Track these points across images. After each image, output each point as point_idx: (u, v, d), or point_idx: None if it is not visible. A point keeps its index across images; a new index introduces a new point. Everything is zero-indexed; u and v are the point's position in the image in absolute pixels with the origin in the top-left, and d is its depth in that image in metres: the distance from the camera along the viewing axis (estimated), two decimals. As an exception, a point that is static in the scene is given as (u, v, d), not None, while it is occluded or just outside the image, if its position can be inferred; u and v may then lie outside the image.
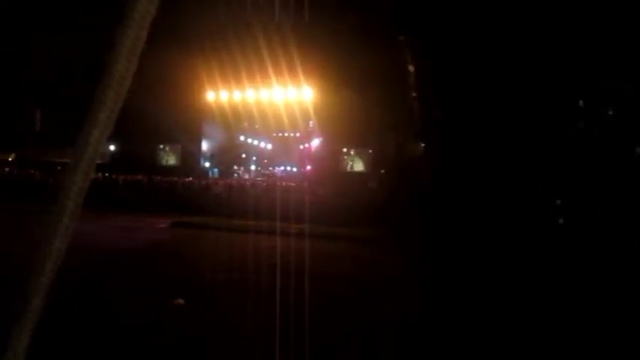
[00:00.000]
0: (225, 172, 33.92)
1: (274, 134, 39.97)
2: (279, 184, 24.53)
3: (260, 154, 44.77)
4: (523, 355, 5.54)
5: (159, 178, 23.79)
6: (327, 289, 8.27)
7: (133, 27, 0.72)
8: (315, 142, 30.63)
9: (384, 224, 14.51)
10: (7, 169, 26.99)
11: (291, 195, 19.58)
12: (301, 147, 38.88)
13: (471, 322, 6.29)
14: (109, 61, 0.74)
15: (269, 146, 45.04)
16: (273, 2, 21.29)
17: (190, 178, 24.28)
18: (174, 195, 21.38)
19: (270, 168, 42.80)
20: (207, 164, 31.68)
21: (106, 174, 23.96)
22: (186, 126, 27.89)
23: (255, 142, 42.36)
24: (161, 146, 30.27)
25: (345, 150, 27.00)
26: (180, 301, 7.25)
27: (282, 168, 42.40)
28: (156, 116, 25.42)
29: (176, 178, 23.87)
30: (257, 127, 34.53)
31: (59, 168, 24.19)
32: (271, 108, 27.86)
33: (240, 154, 39.58)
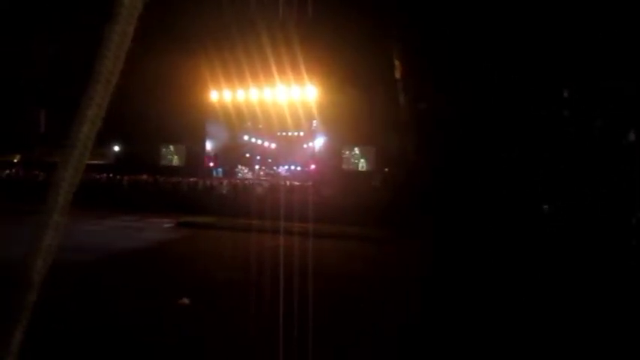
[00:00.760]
0: (230, 171, 33.93)
1: (278, 133, 39.95)
2: (283, 183, 24.55)
3: (264, 153, 44.75)
4: (529, 354, 5.53)
5: (163, 178, 23.83)
6: (333, 289, 8.27)
7: (120, 23, 0.73)
8: (319, 142, 30.60)
9: (388, 223, 14.50)
10: (12, 170, 27.11)
11: (295, 194, 19.60)
12: (305, 146, 38.86)
13: (477, 322, 6.28)
14: (97, 57, 0.75)
15: (273, 146, 45.03)
16: (276, 1, 21.30)
17: (195, 178, 24.31)
18: (178, 195, 21.42)
19: (274, 167, 42.77)
20: (211, 164, 31.72)
21: (111, 174, 24.02)
22: (190, 126, 27.92)
23: (259, 142, 42.36)
24: (165, 146, 30.32)
25: (348, 149, 26.98)
26: (186, 300, 7.27)
27: (286, 167, 42.36)
28: (159, 117, 25.48)
29: (180, 178, 23.91)
30: (260, 126, 34.52)
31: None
32: (275, 107, 27.85)
33: (244, 154, 39.59)
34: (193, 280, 8.80)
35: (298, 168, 40.19)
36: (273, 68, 23.59)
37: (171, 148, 30.40)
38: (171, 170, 27.64)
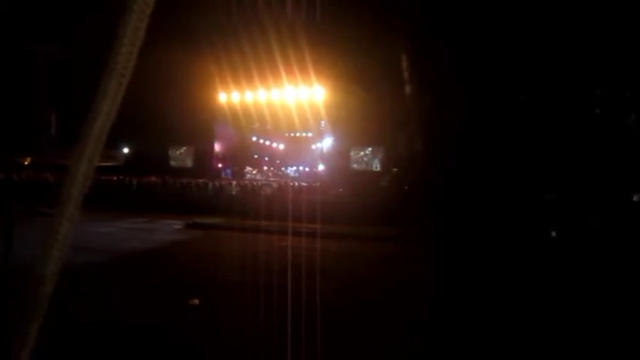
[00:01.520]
0: (238, 172, 34.05)
1: (286, 134, 40.04)
2: (291, 184, 24.59)
3: (272, 154, 44.86)
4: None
5: (172, 179, 23.94)
6: (343, 289, 8.29)
7: (132, 20, 0.75)
8: (327, 142, 30.63)
9: (397, 223, 14.48)
10: (23, 172, 27.33)
11: (304, 195, 19.62)
12: (313, 147, 38.91)
13: (486, 322, 6.25)
14: (110, 53, 0.77)
15: (281, 147, 45.12)
16: (284, 2, 21.36)
17: (203, 180, 24.40)
18: (187, 196, 21.52)
19: (283, 168, 42.85)
20: (219, 165, 31.84)
21: (121, 176, 24.16)
22: (199, 127, 28.04)
23: (267, 143, 42.48)
24: (174, 148, 30.46)
25: (357, 149, 26.96)
26: (196, 301, 7.30)
27: (295, 168, 42.41)
28: (168, 118, 25.61)
29: (189, 180, 24.00)
30: (269, 127, 34.62)
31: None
32: (283, 108, 27.91)
33: (253, 155, 39.72)
34: (203, 281, 8.83)
35: (307, 169, 40.22)
36: (282, 69, 23.64)
37: (181, 149, 30.54)
38: (181, 171, 27.76)
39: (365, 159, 27.00)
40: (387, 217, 15.42)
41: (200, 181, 23.87)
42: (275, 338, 5.61)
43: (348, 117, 24.27)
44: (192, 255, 11.98)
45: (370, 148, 26.73)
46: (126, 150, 29.77)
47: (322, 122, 30.34)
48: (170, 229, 16.36)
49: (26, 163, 29.93)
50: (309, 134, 37.15)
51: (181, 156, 30.60)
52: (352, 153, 26.85)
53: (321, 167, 34.40)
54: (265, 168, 41.53)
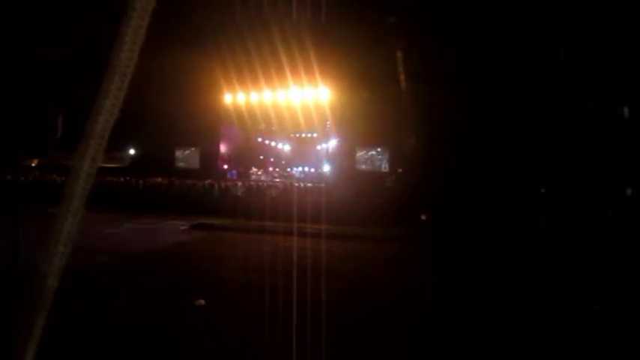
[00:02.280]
0: (244, 173, 34.12)
1: (292, 135, 40.09)
2: (296, 184, 24.61)
3: (278, 155, 44.91)
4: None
5: (178, 180, 24.01)
6: (348, 289, 8.29)
7: (134, 18, 0.76)
8: (333, 143, 30.64)
9: (402, 223, 14.48)
10: (30, 174, 27.48)
11: (309, 196, 19.64)
12: (318, 148, 38.91)
13: (487, 322, 6.25)
14: (113, 51, 0.78)
15: (287, 147, 45.18)
16: (290, 2, 21.38)
17: (209, 181, 24.45)
18: (193, 197, 21.57)
19: (288, 169, 42.88)
20: (225, 166, 31.91)
21: (127, 177, 24.25)
22: (205, 129, 28.11)
23: (273, 144, 42.53)
24: (180, 149, 30.55)
25: (363, 150, 26.95)
26: (202, 301, 7.32)
27: (300, 169, 42.44)
28: (174, 120, 25.69)
29: (195, 181, 24.06)
30: (274, 128, 34.67)
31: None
32: (288, 109, 27.95)
33: (258, 156, 39.77)
34: (209, 282, 8.86)
35: (312, 169, 40.23)
36: (287, 70, 23.68)
37: (186, 151, 30.63)
38: (186, 173, 27.82)
39: (370, 159, 26.98)
40: (393, 217, 15.43)
41: (206, 182, 23.92)
42: (279, 339, 5.62)
43: (354, 117, 24.27)
44: (197, 256, 12.01)
45: (376, 149, 26.72)
46: (132, 151, 29.89)
47: (327, 123, 30.35)
48: (175, 229, 16.41)
49: (33, 164, 30.09)
50: (315, 135, 37.16)
51: (187, 157, 30.67)
52: (357, 153, 26.84)
53: (326, 168, 34.41)
54: (271, 169, 41.58)
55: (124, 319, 6.51)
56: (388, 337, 6.12)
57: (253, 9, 21.50)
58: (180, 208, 19.74)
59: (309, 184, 25.16)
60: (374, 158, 26.89)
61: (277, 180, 33.33)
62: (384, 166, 26.21)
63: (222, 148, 31.04)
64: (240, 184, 24.34)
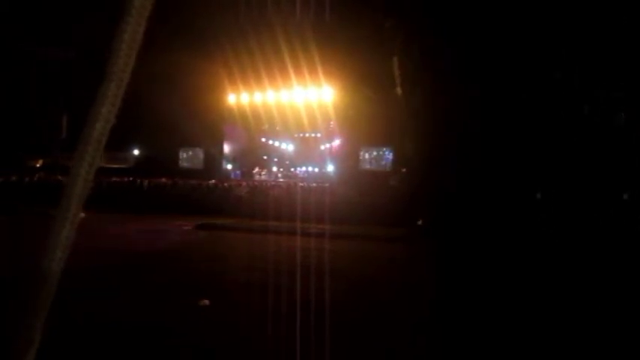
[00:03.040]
0: (247, 173, 34.19)
1: (295, 135, 40.12)
2: (300, 184, 24.62)
3: (281, 155, 44.96)
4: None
5: (182, 181, 24.06)
6: (352, 290, 8.30)
7: (130, 23, 0.76)
8: (336, 143, 30.66)
9: (405, 223, 14.48)
10: (35, 174, 27.59)
11: (313, 195, 19.65)
12: (322, 147, 38.94)
13: (489, 322, 6.24)
14: (109, 57, 0.78)
15: (290, 147, 45.21)
16: (293, 2, 21.40)
17: (213, 181, 24.49)
18: (197, 197, 21.61)
19: (292, 169, 42.90)
20: (229, 166, 31.97)
21: (130, 178, 24.33)
22: (208, 129, 28.16)
23: (277, 144, 42.58)
24: (184, 149, 30.63)
25: (366, 149, 26.94)
26: (206, 301, 7.33)
27: (304, 169, 42.46)
28: (178, 120, 25.74)
29: (199, 181, 24.10)
30: (278, 128, 34.72)
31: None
32: (292, 109, 27.99)
33: (262, 156, 39.84)
34: (212, 282, 8.88)
35: (315, 169, 40.26)
36: (290, 70, 23.70)
37: (190, 151, 30.70)
38: (190, 173, 27.88)
39: (374, 159, 26.98)
40: (396, 217, 15.42)
41: (210, 182, 23.96)
42: (281, 338, 5.63)
43: (357, 117, 24.29)
44: (201, 256, 12.03)
45: (379, 149, 26.72)
46: (136, 152, 29.98)
47: (331, 123, 30.36)
48: (179, 229, 16.44)
49: (38, 165, 30.22)
50: (318, 135, 37.19)
51: (191, 157, 30.74)
52: (361, 153, 26.84)
53: (330, 168, 34.43)
54: (274, 169, 41.62)
55: (125, 319, 6.53)
56: (390, 337, 6.12)
57: (257, 9, 21.54)
58: (183, 209, 19.79)
59: (313, 184, 25.17)
60: (377, 158, 26.89)
61: (281, 180, 33.37)
62: (388, 166, 26.21)
63: (226, 148, 31.10)
64: (244, 184, 24.37)
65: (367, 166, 26.74)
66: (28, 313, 0.86)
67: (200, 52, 24.02)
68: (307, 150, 42.38)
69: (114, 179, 22.92)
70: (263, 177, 35.65)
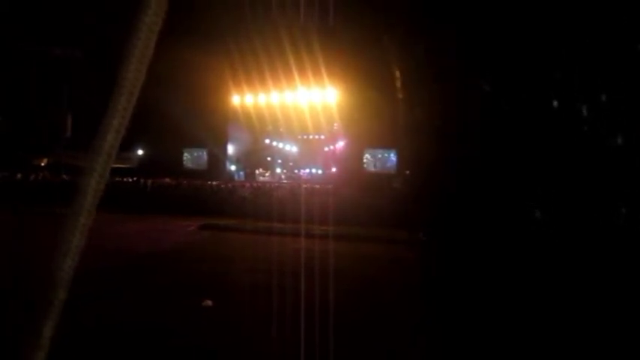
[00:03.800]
0: (251, 174, 34.25)
1: (299, 137, 40.15)
2: (304, 185, 24.64)
3: (285, 156, 45.01)
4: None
5: (186, 181, 24.11)
6: (355, 291, 8.30)
7: (141, 38, 0.78)
8: (340, 144, 30.68)
9: (409, 225, 14.44)
10: (40, 173, 27.70)
11: (316, 197, 19.66)
12: (326, 149, 38.96)
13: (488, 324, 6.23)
14: (120, 70, 0.80)
15: (294, 149, 45.25)
16: (298, 4, 21.44)
17: (217, 182, 24.53)
18: (201, 198, 21.65)
19: (296, 170, 42.95)
20: (233, 167, 32.02)
21: (135, 178, 24.40)
22: (212, 130, 28.23)
23: (281, 145, 42.61)
24: (188, 150, 30.70)
25: (370, 150, 26.95)
26: (209, 302, 7.34)
27: (308, 170, 42.50)
28: (182, 121, 25.82)
29: (203, 181, 24.15)
30: (282, 129, 34.76)
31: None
32: (296, 111, 28.02)
33: (266, 157, 39.89)
34: (216, 282, 8.89)
35: (319, 171, 40.28)
36: (295, 71, 23.73)
37: (194, 152, 30.77)
38: (194, 173, 27.94)
39: (378, 161, 26.99)
40: (400, 219, 15.39)
41: (213, 183, 24.00)
42: (284, 339, 5.64)
43: (361, 119, 24.29)
44: (204, 256, 12.06)
45: (383, 150, 26.72)
46: (140, 152, 30.06)
47: (335, 124, 30.38)
48: (183, 230, 16.48)
49: (42, 164, 30.33)
50: (322, 136, 37.21)
51: (195, 158, 30.82)
52: (365, 155, 26.85)
53: (334, 169, 34.45)
54: (278, 170, 41.69)
55: (128, 320, 6.55)
56: (390, 338, 6.14)
57: (261, 11, 21.57)
58: (187, 209, 19.83)
59: (317, 186, 25.18)
60: (382, 160, 26.90)
61: (284, 181, 33.41)
62: (392, 168, 26.21)
63: (230, 149, 31.15)
64: (247, 185, 24.41)
65: (371, 168, 26.76)
66: (38, 322, 0.88)
67: (205, 54, 24.08)
68: (311, 151, 42.41)
69: (117, 179, 22.98)
70: (266, 178, 35.70)
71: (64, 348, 0.95)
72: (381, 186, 22.33)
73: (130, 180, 23.95)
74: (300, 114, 27.98)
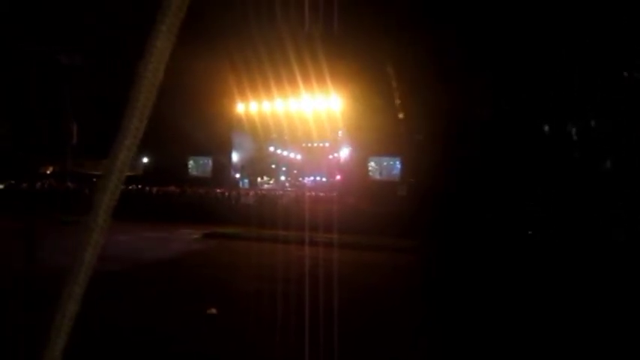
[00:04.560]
0: (254, 182, 34.31)
1: (303, 144, 40.19)
2: (308, 193, 24.67)
3: (290, 164, 45.04)
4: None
5: (190, 189, 24.18)
6: (358, 300, 8.30)
7: (152, 62, 0.81)
8: (345, 152, 30.68)
9: (413, 233, 14.44)
10: (46, 182, 27.84)
11: (320, 205, 19.68)
12: (330, 157, 38.97)
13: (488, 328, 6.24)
14: (131, 93, 0.83)
15: (298, 157, 45.28)
16: (302, 13, 21.52)
17: (221, 190, 24.58)
18: (205, 206, 21.70)
19: (300, 178, 42.96)
20: (237, 175, 32.08)
21: (139, 186, 24.47)
22: (217, 138, 28.31)
23: (285, 153, 42.65)
24: (192, 158, 30.80)
25: (374, 158, 26.95)
26: (213, 310, 7.36)
27: (312, 178, 42.51)
28: (187, 129, 25.91)
29: (207, 189, 24.21)
30: (286, 137, 34.82)
31: (94, 180, 24.82)
32: (300, 119, 28.07)
33: (270, 165, 39.95)
34: (220, 290, 8.91)
35: (324, 179, 40.29)
36: (299, 80, 23.80)
37: (199, 160, 30.86)
38: (199, 181, 28.01)
39: (384, 169, 26.99)
40: (404, 227, 15.37)
41: (218, 191, 24.06)
42: (285, 346, 5.66)
43: (366, 127, 24.31)
44: (208, 264, 12.09)
45: (388, 158, 26.73)
46: (145, 160, 30.15)
47: (339, 132, 30.41)
48: (188, 238, 16.52)
49: (48, 172, 30.48)
50: (326, 144, 37.24)
51: (200, 166, 30.91)
52: (369, 162, 26.86)
53: (338, 177, 34.45)
54: (282, 178, 41.74)
55: (131, 326, 6.57)
56: (393, 342, 6.16)
57: (266, 19, 21.68)
58: (192, 217, 19.86)
59: (321, 194, 25.20)
60: (386, 168, 26.90)
61: (289, 189, 33.43)
62: (397, 176, 26.19)
63: (235, 157, 31.22)
64: (252, 192, 24.45)
65: (377, 176, 26.75)
66: (52, 334, 0.91)
67: (210, 62, 24.20)
68: (315, 159, 42.42)
69: (123, 187, 23.00)
70: (270, 185, 35.75)
71: (65, 350, 0.98)
72: (385, 194, 22.33)
73: (136, 188, 24.04)
74: (304, 121, 28.02)
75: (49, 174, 30.08)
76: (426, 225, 13.35)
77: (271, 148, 38.58)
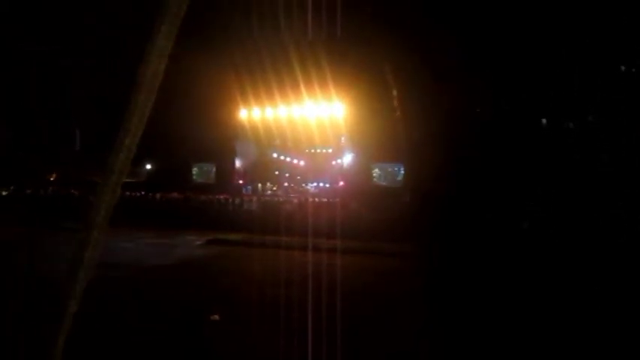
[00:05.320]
0: (257, 189, 34.30)
1: (307, 151, 40.19)
2: (311, 200, 24.66)
3: (293, 170, 45.02)
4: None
5: (194, 195, 24.21)
6: (361, 305, 8.28)
7: (151, 65, 0.82)
8: (348, 158, 30.68)
9: (415, 238, 14.42)
10: (49, 188, 27.91)
11: (323, 211, 19.66)
12: (333, 163, 38.96)
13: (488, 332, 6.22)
14: (131, 93, 0.84)
15: (302, 163, 45.27)
16: (305, 19, 21.59)
17: (224, 196, 24.59)
18: (209, 212, 21.71)
19: (303, 184, 42.93)
20: (240, 181, 32.10)
21: (143, 192, 24.51)
22: (220, 144, 28.37)
23: (288, 159, 42.65)
24: (196, 164, 30.86)
25: (377, 165, 26.96)
26: (216, 317, 7.34)
27: (315, 184, 42.48)
28: (190, 135, 25.98)
29: (211, 196, 24.23)
30: (289, 144, 34.83)
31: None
32: (303, 125, 28.10)
33: (274, 171, 39.94)
34: (223, 297, 8.90)
35: (327, 185, 40.23)
36: (302, 86, 23.86)
37: (202, 166, 30.91)
38: (202, 188, 28.04)
39: (386, 175, 26.98)
40: (407, 233, 15.33)
41: (221, 197, 24.07)
42: (286, 348, 5.65)
43: (369, 133, 24.33)
44: (212, 271, 12.08)
45: (391, 165, 26.73)
46: (148, 166, 30.22)
47: (342, 138, 30.42)
48: (191, 244, 16.50)
49: (52, 178, 30.56)
50: (329, 150, 37.25)
51: (203, 172, 30.95)
52: (372, 169, 26.86)
53: (341, 183, 34.43)
54: (286, 184, 41.70)
55: (136, 334, 6.56)
56: (395, 348, 6.16)
57: (270, 26, 21.76)
58: (196, 223, 19.85)
59: (324, 200, 25.18)
60: (389, 174, 26.89)
61: (292, 195, 33.41)
62: (400, 182, 26.18)
63: (238, 163, 31.25)
64: (255, 199, 24.46)
65: (381, 182, 26.74)
66: (51, 333, 0.92)
67: (213, 68, 24.28)
68: (318, 165, 42.39)
69: (127, 193, 23.09)
70: (272, 192, 35.73)
71: (65, 351, 0.98)
72: (388, 200, 22.30)
73: (139, 194, 24.07)
74: (307, 128, 28.05)
75: (52, 180, 30.16)
76: (427, 228, 13.34)
77: (274, 154, 38.60)
